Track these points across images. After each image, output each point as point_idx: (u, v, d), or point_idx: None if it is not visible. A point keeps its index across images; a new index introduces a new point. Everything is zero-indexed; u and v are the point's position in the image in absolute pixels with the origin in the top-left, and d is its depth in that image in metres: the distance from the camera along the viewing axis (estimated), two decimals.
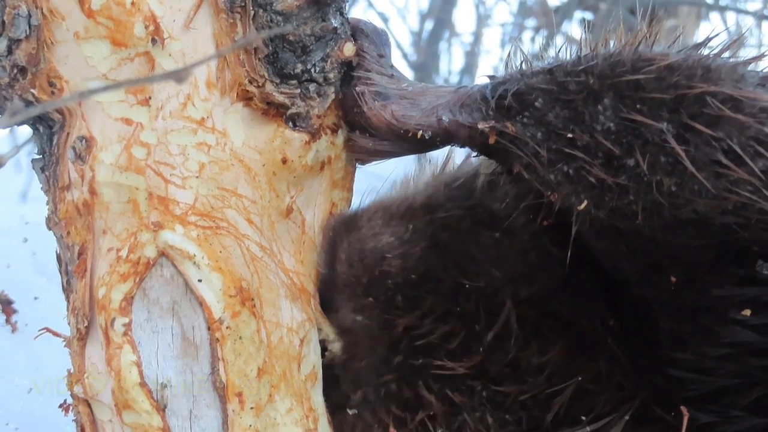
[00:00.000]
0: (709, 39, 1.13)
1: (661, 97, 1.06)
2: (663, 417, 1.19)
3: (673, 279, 1.17)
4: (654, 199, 1.07)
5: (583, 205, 1.10)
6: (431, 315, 1.29)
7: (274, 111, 1.22)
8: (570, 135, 1.09)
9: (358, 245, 1.31)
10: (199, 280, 1.19)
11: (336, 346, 1.33)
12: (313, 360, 1.30)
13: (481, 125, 1.16)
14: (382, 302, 1.31)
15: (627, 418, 1.22)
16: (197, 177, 1.19)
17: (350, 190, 1.36)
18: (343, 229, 1.32)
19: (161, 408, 1.19)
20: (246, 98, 1.21)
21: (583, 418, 1.24)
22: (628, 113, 1.07)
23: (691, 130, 1.05)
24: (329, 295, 1.33)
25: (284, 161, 1.23)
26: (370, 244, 1.31)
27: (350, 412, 1.32)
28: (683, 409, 1.12)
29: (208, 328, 1.19)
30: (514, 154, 1.14)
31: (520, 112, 1.13)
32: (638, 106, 1.07)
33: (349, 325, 1.33)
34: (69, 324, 1.26)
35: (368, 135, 1.27)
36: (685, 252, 1.14)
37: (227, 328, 1.19)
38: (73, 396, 1.26)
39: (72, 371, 1.25)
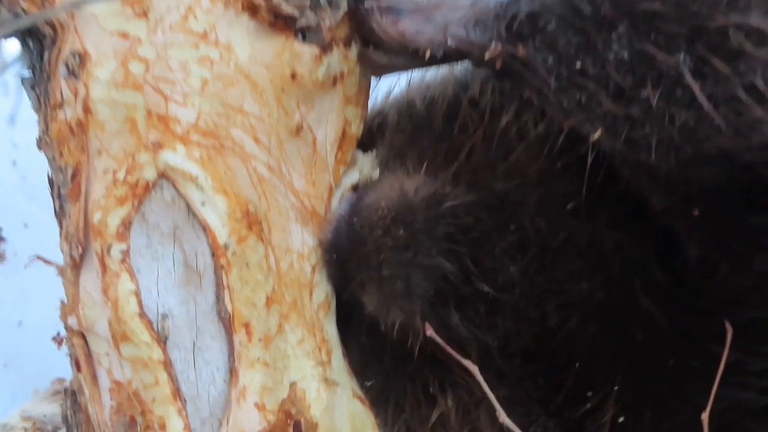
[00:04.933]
0: None
1: (678, 27, 0.99)
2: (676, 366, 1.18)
3: (696, 213, 1.12)
4: (670, 132, 1.01)
5: (597, 134, 1.06)
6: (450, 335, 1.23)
7: (282, 23, 1.16)
8: (580, 63, 1.04)
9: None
10: (203, 203, 1.14)
11: None
12: (326, 288, 1.26)
13: (491, 48, 1.11)
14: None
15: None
16: (200, 94, 1.14)
17: (365, 106, 1.30)
18: (346, 246, 1.24)
19: (162, 340, 1.16)
20: (252, 9, 1.15)
21: (589, 394, 1.23)
22: (642, 44, 1.00)
23: (709, 64, 0.98)
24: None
25: (293, 76, 1.18)
26: (374, 260, 1.22)
27: (367, 383, 1.31)
28: (727, 324, 1.09)
29: (213, 255, 1.16)
30: (524, 78, 1.10)
31: (531, 35, 1.08)
32: (653, 36, 1.00)
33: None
34: (62, 251, 1.22)
35: (382, 51, 1.22)
36: (713, 183, 1.09)
37: (233, 254, 1.15)
38: (66, 328, 1.22)
39: (65, 302, 1.22)
